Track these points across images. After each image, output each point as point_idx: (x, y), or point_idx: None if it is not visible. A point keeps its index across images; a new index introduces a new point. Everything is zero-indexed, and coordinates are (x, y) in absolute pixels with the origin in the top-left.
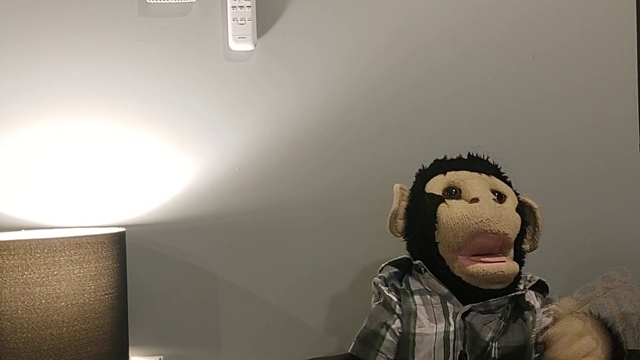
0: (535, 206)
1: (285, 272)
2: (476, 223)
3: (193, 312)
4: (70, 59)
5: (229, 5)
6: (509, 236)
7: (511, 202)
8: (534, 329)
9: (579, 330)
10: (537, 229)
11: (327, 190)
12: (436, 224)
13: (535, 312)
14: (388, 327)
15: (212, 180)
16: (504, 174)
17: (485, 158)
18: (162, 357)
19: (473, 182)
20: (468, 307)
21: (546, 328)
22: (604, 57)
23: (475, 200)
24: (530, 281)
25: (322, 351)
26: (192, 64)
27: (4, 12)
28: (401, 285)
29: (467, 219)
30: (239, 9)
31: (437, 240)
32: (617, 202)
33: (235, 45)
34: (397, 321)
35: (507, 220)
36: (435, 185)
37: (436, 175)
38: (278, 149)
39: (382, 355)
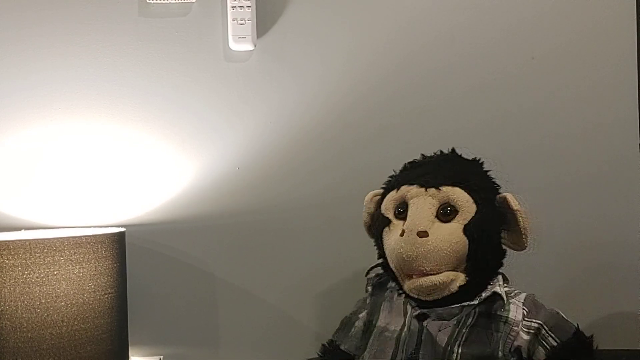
0: (515, 208)
1: (284, 272)
2: (398, 260)
3: (192, 312)
4: (70, 59)
5: (229, 5)
6: (432, 271)
7: (460, 219)
8: (508, 340)
9: None
10: (521, 230)
11: (327, 190)
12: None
13: (512, 324)
14: (358, 317)
15: (212, 180)
16: (486, 171)
17: (459, 155)
18: (161, 357)
19: (415, 205)
20: (418, 311)
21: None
22: (603, 58)
23: (402, 233)
24: (511, 295)
25: None
26: (192, 64)
27: (4, 12)
28: (381, 279)
29: (392, 253)
30: (239, 9)
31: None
32: (617, 204)
33: (235, 45)
34: (365, 312)
35: (428, 256)
36: (388, 204)
37: (393, 188)
38: (278, 149)
39: (350, 341)
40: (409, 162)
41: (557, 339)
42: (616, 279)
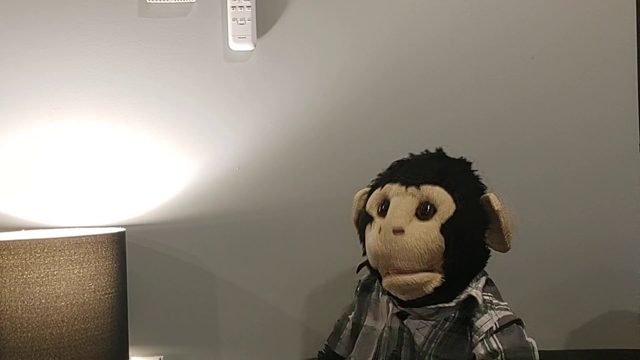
0: (497, 208)
1: (284, 271)
2: (374, 257)
3: (192, 311)
4: (70, 59)
5: (229, 5)
6: (406, 269)
7: (437, 218)
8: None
9: None
10: (504, 231)
11: (327, 189)
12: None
13: (475, 333)
14: (348, 319)
15: (212, 180)
16: (472, 171)
17: (445, 154)
18: (161, 357)
19: (394, 202)
20: (398, 309)
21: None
22: (603, 57)
23: (379, 230)
24: (494, 305)
25: None
26: (192, 64)
27: (4, 12)
28: (368, 279)
29: (369, 251)
30: (239, 9)
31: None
32: (616, 203)
33: (235, 45)
34: (352, 314)
35: (402, 254)
36: (373, 201)
37: (378, 186)
38: (277, 149)
39: (342, 345)
40: (396, 161)
41: None
42: (615, 278)
